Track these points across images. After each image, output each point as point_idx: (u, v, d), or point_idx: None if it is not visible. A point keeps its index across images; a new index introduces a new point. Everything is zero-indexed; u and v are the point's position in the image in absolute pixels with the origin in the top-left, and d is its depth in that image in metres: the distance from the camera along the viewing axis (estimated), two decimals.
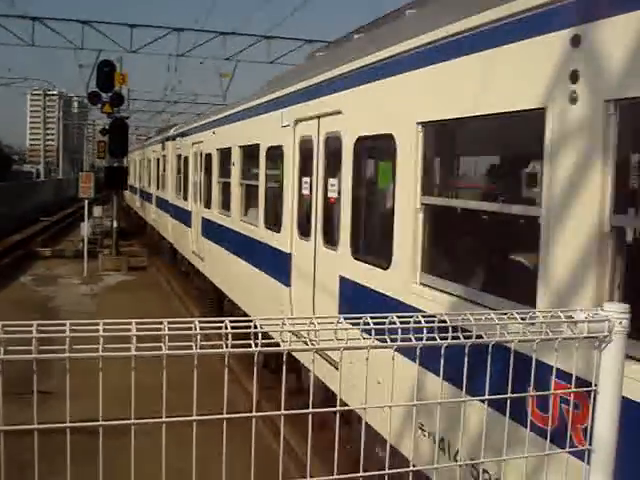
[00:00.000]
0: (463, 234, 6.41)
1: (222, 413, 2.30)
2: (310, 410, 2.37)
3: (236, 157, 13.66)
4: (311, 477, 2.44)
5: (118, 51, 33.22)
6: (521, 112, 4.61)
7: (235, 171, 13.72)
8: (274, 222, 10.82)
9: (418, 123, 6.01)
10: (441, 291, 5.64)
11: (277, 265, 10.42)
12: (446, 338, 2.42)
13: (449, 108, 5.55)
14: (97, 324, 2.06)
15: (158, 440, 2.22)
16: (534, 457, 2.82)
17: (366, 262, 7.26)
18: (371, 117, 7.21)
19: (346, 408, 2.53)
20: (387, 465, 2.57)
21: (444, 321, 2.47)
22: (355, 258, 7.53)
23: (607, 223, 3.78)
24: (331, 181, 8.43)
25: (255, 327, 2.19)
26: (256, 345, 2.17)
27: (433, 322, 2.44)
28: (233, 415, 2.26)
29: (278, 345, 2.27)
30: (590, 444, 2.62)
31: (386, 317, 2.37)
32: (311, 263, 9.00)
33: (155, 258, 29.03)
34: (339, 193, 8.03)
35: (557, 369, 2.67)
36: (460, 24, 5.32)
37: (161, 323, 2.10)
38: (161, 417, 2.19)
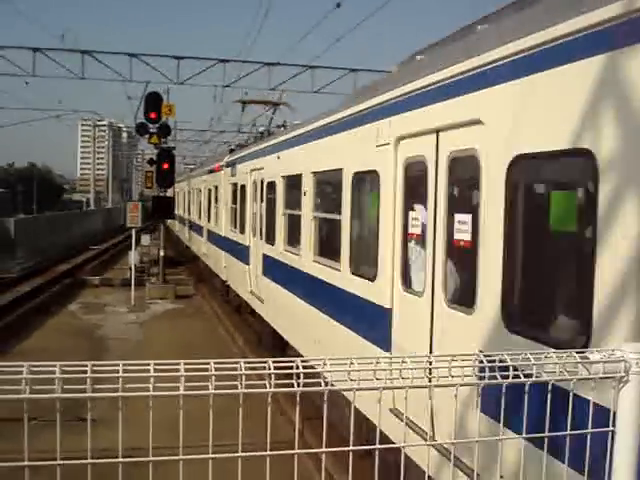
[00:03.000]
0: None
1: (265, 448, 2.38)
2: (350, 448, 2.45)
3: (309, 185, 11.53)
4: None
5: (165, 82, 33.85)
6: None
7: (307, 202, 11.58)
8: (364, 267, 8.74)
9: None
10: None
11: (369, 322, 8.34)
12: (483, 378, 2.49)
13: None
14: (148, 364, 2.17)
15: (203, 469, 2.33)
16: None
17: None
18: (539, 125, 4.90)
19: (386, 446, 2.60)
20: None
21: (482, 361, 2.54)
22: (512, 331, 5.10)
23: None
24: (459, 217, 6.21)
25: (297, 367, 2.28)
26: (298, 385, 2.27)
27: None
28: (277, 452, 2.35)
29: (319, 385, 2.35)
30: None
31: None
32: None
33: (201, 285, 29.35)
34: (474, 234, 5.80)
35: (594, 405, 2.70)
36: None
37: (208, 363, 2.20)
38: (207, 453, 2.29)
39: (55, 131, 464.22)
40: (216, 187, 26.02)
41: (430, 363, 2.43)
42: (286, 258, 13.05)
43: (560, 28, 4.57)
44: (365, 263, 8.67)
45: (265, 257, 14.90)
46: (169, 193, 29.49)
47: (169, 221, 41.19)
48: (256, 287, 16.03)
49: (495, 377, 2.51)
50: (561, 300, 5.05)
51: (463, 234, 6.06)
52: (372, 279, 8.11)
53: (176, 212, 39.49)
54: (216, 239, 25.39)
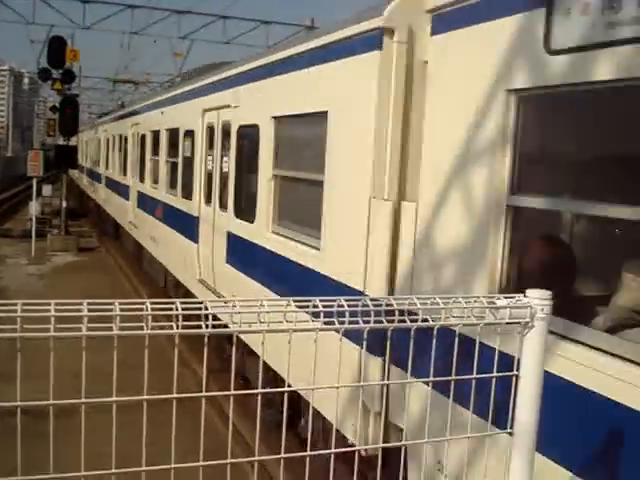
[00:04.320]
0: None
1: (171, 393, 2.33)
2: (259, 390, 2.42)
3: (163, 138, 16.03)
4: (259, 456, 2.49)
5: (70, 27, 32.52)
6: None
7: (162, 150, 16.06)
8: (188, 192, 12.99)
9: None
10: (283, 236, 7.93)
11: (189, 227, 12.68)
12: (393, 321, 2.49)
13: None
14: (48, 304, 2.07)
15: (108, 420, 2.25)
16: (473, 439, 2.90)
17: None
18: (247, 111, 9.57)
19: (295, 389, 2.59)
20: (333, 445, 2.64)
21: (391, 304, 2.54)
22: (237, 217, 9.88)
23: None
24: (224, 159, 10.68)
25: (206, 309, 2.23)
26: (206, 327, 2.21)
27: (380, 305, 2.50)
28: (183, 395, 2.30)
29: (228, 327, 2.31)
30: (512, 428, 2.72)
31: (334, 300, 2.43)
32: (211, 224, 11.16)
33: (105, 239, 28.73)
34: (228, 168, 10.35)
35: (498, 353, 2.75)
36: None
37: (112, 304, 2.12)
38: (111, 397, 2.21)
39: None
40: (110, 138, 27.53)
41: (342, 307, 2.41)
42: (149, 192, 17.79)
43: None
44: (188, 190, 13.02)
45: (139, 193, 19.58)
46: (72, 142, 28.53)
47: (73, 172, 39.97)
48: (134, 217, 20.31)
49: (404, 321, 2.52)
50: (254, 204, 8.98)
51: (225, 168, 10.59)
52: (190, 199, 12.75)
53: (81, 162, 38.42)
54: (110, 183, 26.99)
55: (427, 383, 2.82)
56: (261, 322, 2.29)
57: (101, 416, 2.40)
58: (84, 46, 39.20)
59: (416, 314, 2.58)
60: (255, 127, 9.03)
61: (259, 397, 2.41)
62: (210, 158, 11.74)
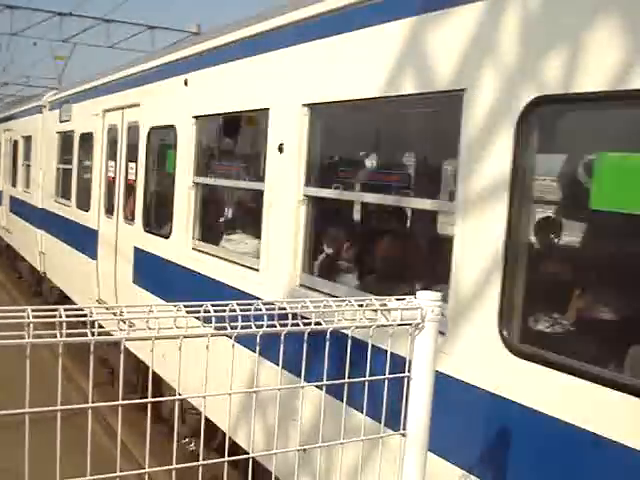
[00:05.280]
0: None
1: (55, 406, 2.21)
2: (149, 400, 2.33)
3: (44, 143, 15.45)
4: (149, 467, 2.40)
5: None
6: None
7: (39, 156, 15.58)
8: (85, 203, 11.88)
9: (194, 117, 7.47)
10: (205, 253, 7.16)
11: (86, 241, 11.53)
12: (286, 325, 2.46)
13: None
14: None
15: None
16: (366, 442, 2.89)
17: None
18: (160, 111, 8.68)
19: (187, 396, 2.51)
20: (226, 453, 2.57)
21: (284, 308, 2.51)
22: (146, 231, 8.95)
23: None
24: (131, 165, 9.51)
25: (91, 315, 2.13)
26: (92, 334, 2.11)
27: (273, 309, 2.46)
28: (68, 407, 2.18)
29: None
30: (404, 429, 2.74)
31: (227, 305, 2.37)
32: (114, 238, 10.11)
33: None
34: (136, 176, 9.26)
35: (390, 355, 2.76)
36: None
37: None
38: None
39: None
40: None
41: (234, 311, 2.35)
42: (24, 197, 17.40)
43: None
44: (85, 199, 11.92)
45: (11, 198, 19.42)
46: None
47: None
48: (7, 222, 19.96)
49: (297, 325, 2.49)
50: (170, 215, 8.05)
51: (132, 176, 9.49)
52: (88, 210, 11.59)
53: None
54: None
55: (320, 387, 2.79)
56: (150, 328, 2.21)
57: None
58: None
59: (308, 317, 2.56)
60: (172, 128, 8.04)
61: (149, 406, 2.32)
62: (112, 164, 10.47)
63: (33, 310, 2.03)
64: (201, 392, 2.50)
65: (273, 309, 2.47)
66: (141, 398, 2.50)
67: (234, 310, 2.37)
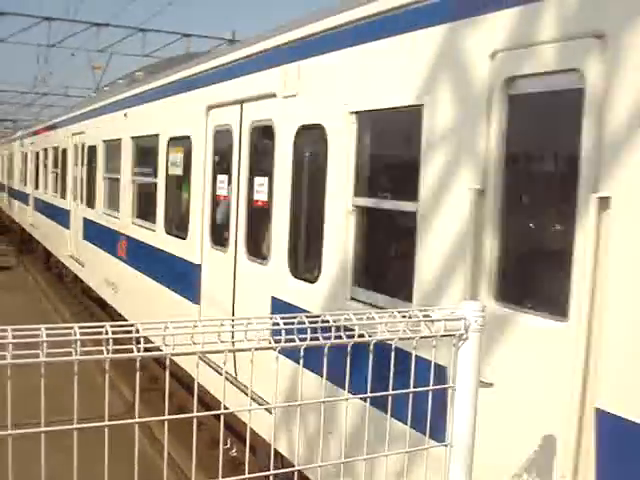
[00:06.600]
0: None
1: (102, 420, 2.23)
2: (195, 414, 2.34)
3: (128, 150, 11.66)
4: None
5: None
6: None
7: (125, 166, 11.67)
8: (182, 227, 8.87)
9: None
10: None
11: (182, 278, 8.65)
12: (329, 338, 2.45)
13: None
14: None
15: (38, 446, 2.14)
16: (409, 453, 2.87)
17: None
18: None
19: (233, 410, 2.52)
20: (271, 466, 2.58)
21: (327, 321, 2.50)
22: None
23: None
24: (259, 180, 6.78)
25: (137, 332, 2.14)
26: (138, 350, 2.13)
27: (316, 322, 2.46)
28: (115, 422, 2.21)
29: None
30: (448, 439, 2.71)
31: (270, 318, 2.37)
32: (230, 278, 7.37)
33: (24, 257, 27.83)
34: (269, 196, 6.52)
35: (435, 365, 2.74)
36: None
37: (38, 329, 2.02)
38: (40, 426, 2.10)
39: None
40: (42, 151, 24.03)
41: (277, 325, 2.36)
42: (106, 221, 13.19)
43: None
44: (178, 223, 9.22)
45: (85, 221, 15.12)
46: None
47: None
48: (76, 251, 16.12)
49: (340, 337, 2.48)
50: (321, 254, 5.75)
51: (261, 195, 6.86)
52: (184, 237, 8.71)
53: None
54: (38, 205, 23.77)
55: (364, 399, 2.78)
56: (195, 343, 2.22)
57: (31, 442, 2.29)
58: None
59: (352, 329, 2.55)
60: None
61: (195, 421, 2.33)
62: (223, 178, 7.69)
63: (80, 327, 2.05)
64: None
65: (316, 322, 2.46)
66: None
67: (277, 323, 2.37)
